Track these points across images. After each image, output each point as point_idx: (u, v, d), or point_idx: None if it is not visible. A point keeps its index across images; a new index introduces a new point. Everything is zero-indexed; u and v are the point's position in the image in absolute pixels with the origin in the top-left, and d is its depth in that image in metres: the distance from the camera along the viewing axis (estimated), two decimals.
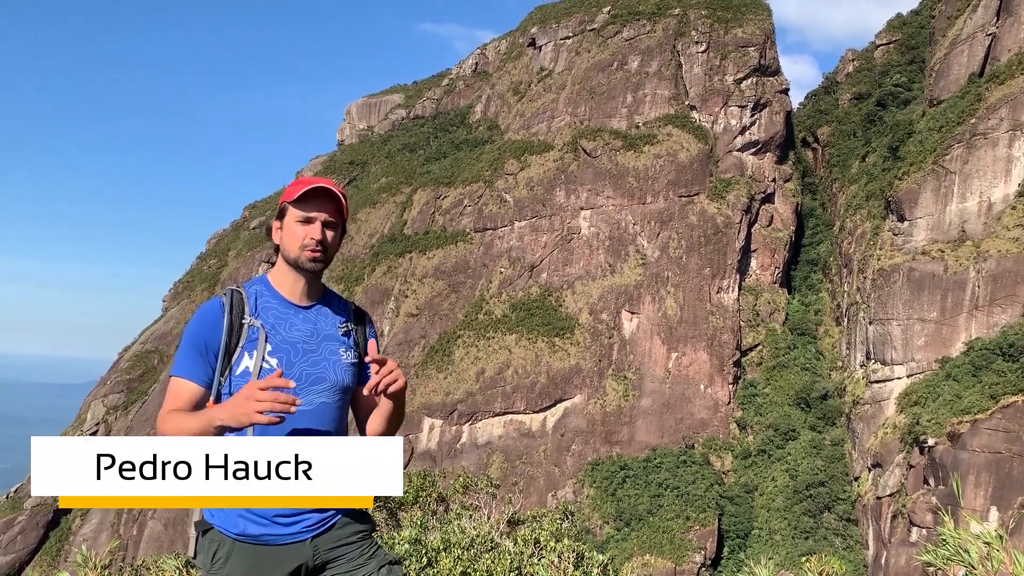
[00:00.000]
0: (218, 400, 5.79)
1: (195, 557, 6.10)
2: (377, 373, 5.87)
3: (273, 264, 6.39)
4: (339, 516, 6.17)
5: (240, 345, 5.87)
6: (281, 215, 6.15)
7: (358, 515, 6.30)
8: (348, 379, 6.19)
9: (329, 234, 6.08)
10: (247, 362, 5.85)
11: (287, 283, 6.18)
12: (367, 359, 6.06)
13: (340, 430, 6.18)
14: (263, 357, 5.86)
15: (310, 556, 5.98)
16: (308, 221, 6.03)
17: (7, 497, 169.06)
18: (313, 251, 6.02)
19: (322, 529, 6.07)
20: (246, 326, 5.92)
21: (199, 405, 5.75)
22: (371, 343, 6.24)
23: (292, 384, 5.43)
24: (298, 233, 6.03)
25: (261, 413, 5.16)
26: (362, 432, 6.49)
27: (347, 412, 6.31)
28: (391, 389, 5.90)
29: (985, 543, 7.80)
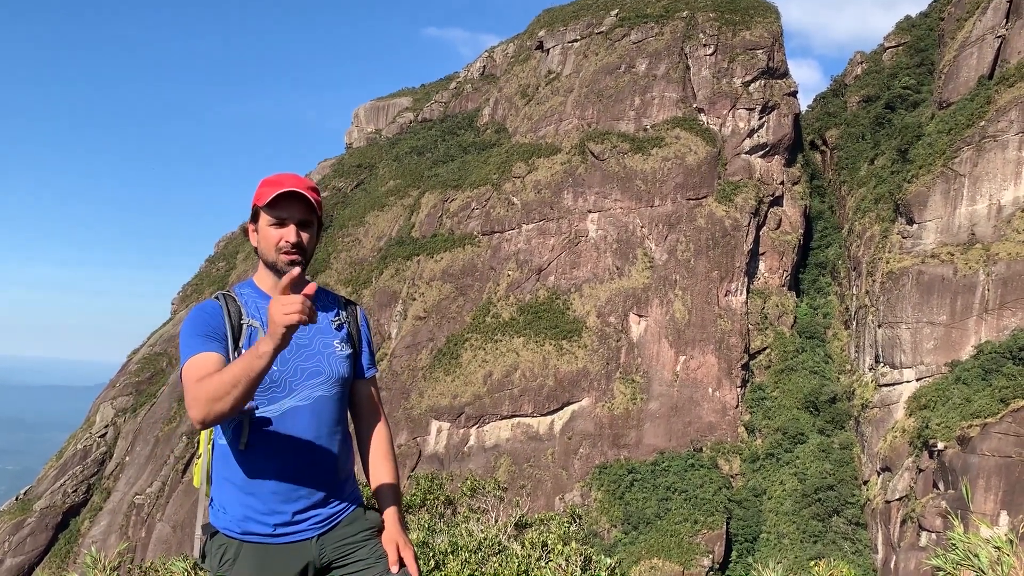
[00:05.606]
0: None
1: (202, 560, 6.10)
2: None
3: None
4: (345, 514, 6.18)
5: (240, 345, 5.85)
6: (255, 218, 6.07)
7: (365, 513, 6.30)
8: (344, 370, 6.17)
9: (304, 235, 6.00)
10: None
11: (270, 284, 6.10)
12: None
13: (339, 422, 6.16)
14: None
15: (316, 555, 5.98)
16: (281, 224, 5.94)
17: (16, 499, 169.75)
18: (289, 254, 5.95)
19: (328, 527, 6.07)
20: (245, 326, 5.93)
21: None
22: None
23: (311, 290, 5.40)
24: (272, 236, 5.96)
25: (290, 315, 5.02)
26: (360, 442, 6.49)
27: (345, 404, 6.30)
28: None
29: (995, 547, 7.76)
